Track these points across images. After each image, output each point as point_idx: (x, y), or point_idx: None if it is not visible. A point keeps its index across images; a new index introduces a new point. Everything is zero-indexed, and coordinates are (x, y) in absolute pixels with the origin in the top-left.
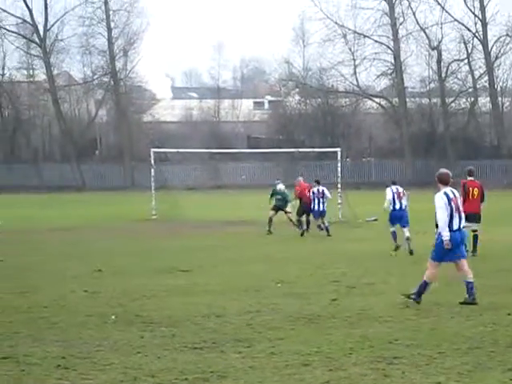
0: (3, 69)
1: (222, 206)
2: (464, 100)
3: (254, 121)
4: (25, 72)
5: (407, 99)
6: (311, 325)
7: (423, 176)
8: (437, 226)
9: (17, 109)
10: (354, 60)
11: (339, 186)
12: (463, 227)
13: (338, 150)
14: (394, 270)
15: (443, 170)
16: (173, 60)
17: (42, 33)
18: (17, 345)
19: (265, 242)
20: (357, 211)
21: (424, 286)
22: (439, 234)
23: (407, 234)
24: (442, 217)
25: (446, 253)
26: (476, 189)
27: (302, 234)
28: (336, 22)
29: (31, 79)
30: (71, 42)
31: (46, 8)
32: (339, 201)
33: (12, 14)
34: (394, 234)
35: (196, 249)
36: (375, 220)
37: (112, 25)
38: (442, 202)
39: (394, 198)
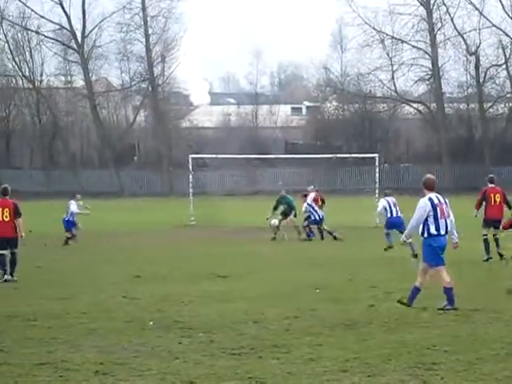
0: (41, 75)
1: (259, 211)
2: (502, 105)
3: (292, 126)
4: (63, 78)
5: (445, 104)
6: (349, 330)
7: (461, 181)
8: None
9: (55, 115)
10: (392, 65)
11: (377, 191)
12: (446, 233)
13: (376, 155)
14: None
15: (429, 176)
16: (211, 65)
17: (79, 39)
18: (55, 350)
19: (302, 248)
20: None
21: (448, 292)
22: (425, 240)
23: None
24: (414, 220)
25: (439, 255)
26: (498, 195)
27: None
28: (374, 28)
29: (69, 85)
30: (109, 48)
31: (83, 14)
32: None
33: (50, 21)
34: (387, 235)
35: (234, 255)
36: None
37: (150, 31)
38: (424, 205)
39: (390, 207)
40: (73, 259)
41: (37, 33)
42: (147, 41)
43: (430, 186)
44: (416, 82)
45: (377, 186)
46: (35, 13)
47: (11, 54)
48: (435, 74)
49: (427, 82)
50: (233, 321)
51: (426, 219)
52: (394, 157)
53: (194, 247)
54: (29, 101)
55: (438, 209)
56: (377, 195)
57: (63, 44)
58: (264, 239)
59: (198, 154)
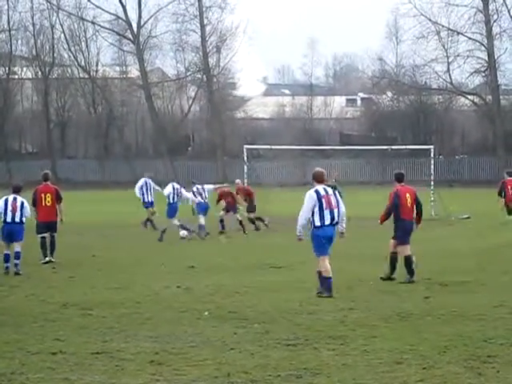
0: (97, 65)
1: None
2: None
3: (346, 118)
4: (118, 68)
5: (501, 96)
6: (404, 322)
7: None
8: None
9: (110, 105)
10: (448, 57)
11: (432, 183)
12: (335, 223)
13: (431, 147)
14: (488, 267)
15: (317, 169)
16: (266, 56)
17: (135, 29)
18: (111, 340)
19: (356, 238)
20: (449, 209)
21: (324, 281)
22: (312, 231)
23: None
24: (302, 211)
25: (324, 245)
26: None
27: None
28: (430, 19)
29: (124, 75)
30: (164, 38)
31: (139, 5)
32: (432, 198)
33: (106, 11)
34: None
35: (287, 245)
36: (468, 218)
37: (205, 21)
38: (310, 198)
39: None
40: (127, 249)
41: (93, 23)
42: (202, 31)
43: (319, 178)
44: (471, 73)
45: (432, 177)
46: (91, 3)
47: (67, 44)
48: (491, 65)
49: (483, 74)
50: (288, 312)
51: (312, 211)
52: (448, 149)
53: (248, 238)
54: (84, 91)
55: (324, 200)
56: (432, 187)
57: (119, 34)
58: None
59: (252, 144)
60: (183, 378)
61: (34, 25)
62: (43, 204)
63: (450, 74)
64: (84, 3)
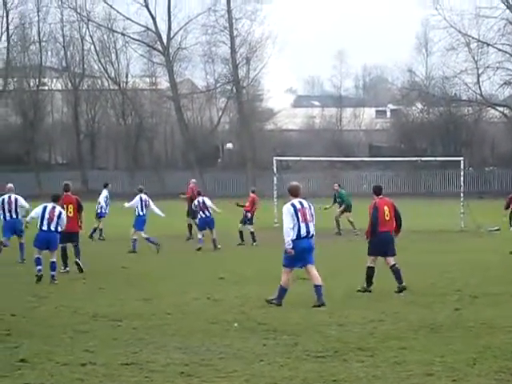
0: (127, 76)
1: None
2: None
3: (376, 129)
4: (148, 80)
5: None
6: (434, 334)
7: None
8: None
9: (140, 116)
10: (478, 69)
11: (462, 194)
12: (311, 236)
13: (461, 159)
14: None
15: (293, 183)
16: (295, 68)
17: (165, 41)
18: (140, 351)
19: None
20: (479, 221)
21: (281, 291)
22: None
23: None
24: (286, 226)
25: (296, 259)
26: None
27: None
28: (459, 31)
29: (154, 87)
30: (194, 49)
31: (169, 16)
32: (462, 210)
33: (136, 22)
34: None
35: (317, 257)
36: (497, 230)
37: (235, 33)
38: (288, 212)
39: None
40: (157, 260)
41: (122, 34)
42: (232, 43)
43: (295, 193)
44: (501, 85)
45: (462, 189)
46: (121, 14)
47: (97, 55)
48: None
49: None
50: (317, 323)
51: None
52: (478, 160)
53: (277, 249)
54: (114, 102)
55: (300, 213)
56: (462, 199)
57: (148, 46)
58: (345, 241)
59: (281, 156)
60: None
61: (63, 36)
62: (66, 215)
63: (479, 86)
64: (114, 15)
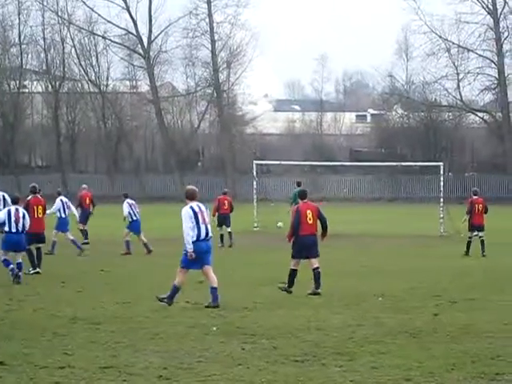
0: (107, 79)
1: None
2: None
3: (357, 134)
4: (128, 83)
5: (511, 114)
6: (413, 339)
7: None
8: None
9: (120, 120)
10: (458, 74)
11: (441, 200)
12: (209, 238)
13: (441, 164)
14: (496, 284)
15: (189, 187)
16: (275, 72)
17: (146, 44)
18: (119, 354)
19: (365, 256)
20: (459, 226)
21: (174, 289)
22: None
23: None
24: (186, 229)
25: (193, 260)
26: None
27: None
28: (440, 36)
29: (134, 90)
30: (175, 53)
31: (150, 20)
32: (441, 215)
33: (117, 26)
34: None
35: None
36: (476, 235)
37: (216, 37)
38: (187, 215)
39: None
40: (136, 263)
41: (103, 37)
42: (213, 47)
43: (191, 196)
44: (482, 91)
45: (441, 194)
46: (102, 18)
47: (78, 58)
48: (501, 83)
49: (493, 92)
50: (296, 328)
51: None
52: (458, 166)
53: (256, 253)
54: (94, 105)
55: (199, 216)
56: (441, 204)
57: (129, 49)
58: (325, 246)
59: (262, 160)
60: None
61: (44, 39)
62: (35, 216)
63: (460, 91)
64: (95, 18)
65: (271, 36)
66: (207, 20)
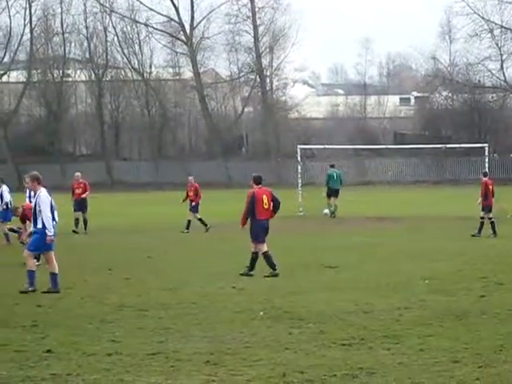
0: (150, 67)
1: (368, 202)
2: None
3: (400, 117)
4: (171, 70)
5: None
6: (460, 321)
7: None
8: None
9: (164, 107)
10: (501, 55)
11: None
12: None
13: (486, 145)
14: None
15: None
16: (319, 56)
17: (188, 31)
18: (166, 341)
19: (412, 239)
20: (505, 207)
21: (30, 274)
22: (40, 231)
23: None
24: (47, 214)
25: (42, 245)
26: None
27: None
28: (483, 17)
29: (177, 77)
30: (217, 39)
31: (192, 6)
32: None
33: (159, 13)
34: None
35: (343, 245)
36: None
37: (258, 22)
38: (47, 201)
39: None
40: (182, 250)
41: (146, 25)
42: (255, 32)
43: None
44: None
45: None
46: (144, 5)
47: (120, 46)
48: None
49: None
50: (343, 311)
51: (44, 213)
52: (503, 147)
53: (301, 238)
54: (138, 93)
55: (53, 202)
56: None
57: (172, 36)
58: (372, 229)
59: (306, 144)
60: (239, 378)
61: (87, 28)
62: None
63: (503, 72)
64: (137, 5)
65: (314, 20)
66: (249, 5)
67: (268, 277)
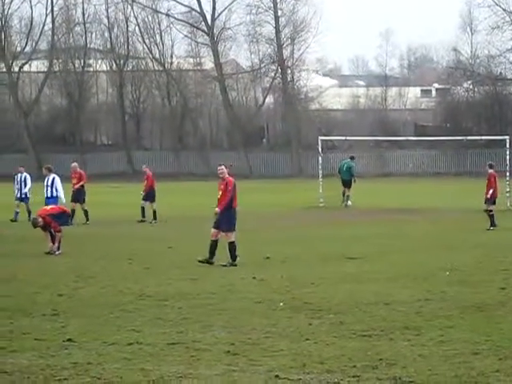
0: (171, 57)
1: (389, 193)
2: None
3: (421, 109)
4: (192, 60)
5: None
6: (480, 313)
7: None
8: None
9: (185, 97)
10: None
11: (507, 174)
12: None
13: (507, 137)
14: None
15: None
16: (340, 47)
17: (209, 21)
18: (186, 331)
19: (432, 231)
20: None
21: None
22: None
23: None
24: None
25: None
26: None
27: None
28: (504, 9)
29: (199, 67)
30: (238, 30)
31: None
32: (507, 189)
33: (180, 3)
34: None
35: (363, 236)
36: None
37: (279, 13)
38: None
39: None
40: (202, 240)
41: (167, 15)
42: (276, 23)
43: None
44: None
45: (507, 168)
46: None
47: (142, 36)
48: None
49: None
50: (363, 302)
51: None
52: None
53: (322, 229)
54: (159, 83)
55: None
56: (507, 178)
57: (193, 26)
58: (393, 220)
59: (327, 136)
60: (259, 368)
61: (108, 18)
62: None
63: None
64: None
65: (335, 12)
66: None
67: (225, 266)
